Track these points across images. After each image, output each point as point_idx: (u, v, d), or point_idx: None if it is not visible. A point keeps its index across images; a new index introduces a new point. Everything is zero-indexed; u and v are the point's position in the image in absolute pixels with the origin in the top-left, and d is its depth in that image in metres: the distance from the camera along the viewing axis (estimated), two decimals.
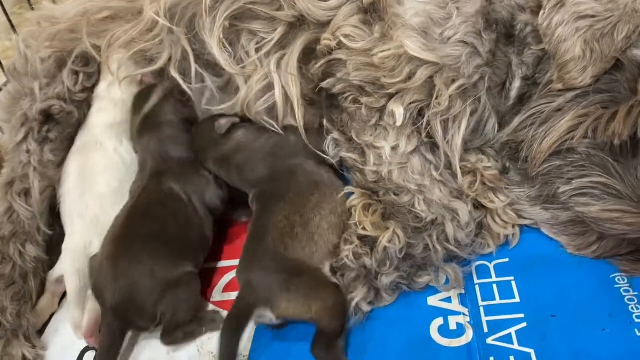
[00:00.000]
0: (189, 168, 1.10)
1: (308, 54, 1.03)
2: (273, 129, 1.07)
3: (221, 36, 1.04)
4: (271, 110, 1.08)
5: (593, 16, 0.85)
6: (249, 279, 0.91)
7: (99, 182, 1.10)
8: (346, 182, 1.07)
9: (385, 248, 0.91)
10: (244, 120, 1.10)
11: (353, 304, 0.91)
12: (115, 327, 0.92)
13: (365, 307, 0.92)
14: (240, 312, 0.89)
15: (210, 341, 0.94)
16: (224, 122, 1.07)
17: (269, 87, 1.06)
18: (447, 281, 0.94)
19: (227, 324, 0.88)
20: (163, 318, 0.94)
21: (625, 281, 0.90)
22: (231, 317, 0.89)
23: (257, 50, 1.05)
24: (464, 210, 0.94)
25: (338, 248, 0.96)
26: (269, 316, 0.89)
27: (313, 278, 0.90)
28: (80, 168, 1.11)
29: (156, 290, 0.93)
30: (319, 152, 1.05)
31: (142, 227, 1.00)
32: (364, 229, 0.94)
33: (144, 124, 1.13)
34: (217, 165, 1.09)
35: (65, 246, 1.06)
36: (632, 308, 0.86)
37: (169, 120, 1.13)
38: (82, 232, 1.06)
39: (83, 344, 1.00)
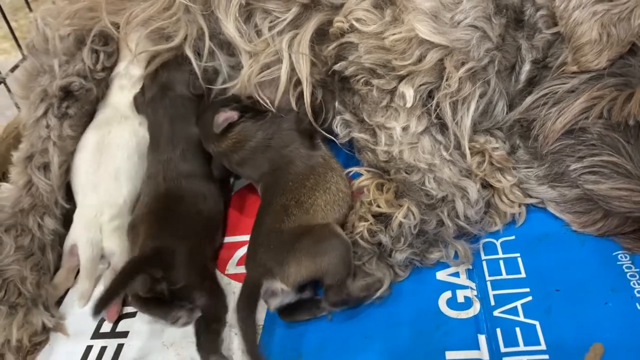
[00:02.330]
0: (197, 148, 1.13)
1: (321, 35, 1.05)
2: (266, 105, 1.10)
3: (237, 14, 1.07)
4: (270, 85, 1.11)
5: (610, 0, 0.86)
6: (253, 258, 0.94)
7: (118, 154, 1.12)
8: (354, 163, 1.10)
9: (400, 224, 0.93)
10: (245, 110, 1.11)
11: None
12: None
13: (387, 292, 0.94)
14: (250, 289, 0.91)
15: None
16: (221, 120, 1.08)
17: (276, 62, 1.08)
18: (456, 257, 0.97)
19: (240, 304, 0.90)
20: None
21: (628, 258, 0.92)
22: (242, 296, 0.91)
23: (270, 29, 1.07)
24: (472, 188, 0.97)
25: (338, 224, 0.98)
26: (279, 288, 0.90)
27: (314, 234, 0.92)
28: (99, 142, 1.14)
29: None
30: (317, 129, 1.07)
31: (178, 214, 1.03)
32: (378, 206, 0.96)
33: (157, 96, 1.15)
34: (219, 158, 1.11)
35: (77, 216, 1.09)
36: (633, 284, 0.89)
37: (180, 96, 1.15)
38: (94, 203, 1.08)
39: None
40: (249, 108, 1.12)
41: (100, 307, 0.90)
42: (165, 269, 0.94)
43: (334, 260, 0.89)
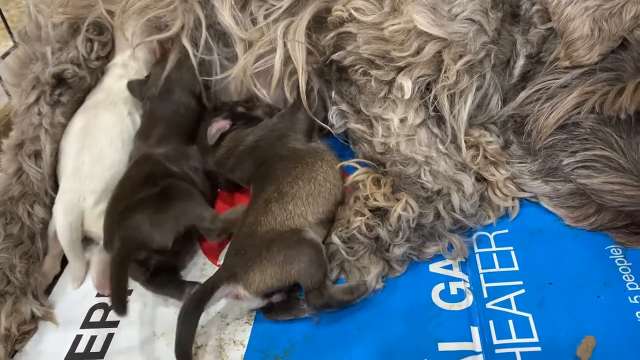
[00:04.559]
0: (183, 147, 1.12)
1: (318, 23, 1.05)
2: (262, 96, 1.10)
3: (232, 2, 1.06)
4: (265, 75, 1.10)
5: None
6: (225, 260, 0.94)
7: (101, 139, 1.11)
8: (348, 154, 1.10)
9: (399, 217, 0.93)
10: (237, 118, 1.12)
11: (371, 284, 0.93)
12: (119, 260, 0.93)
13: (379, 285, 0.94)
14: (203, 290, 0.89)
15: None
16: (214, 132, 1.08)
17: (271, 51, 1.07)
18: (450, 250, 0.97)
19: (187, 301, 0.88)
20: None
21: (620, 252, 0.93)
22: (193, 294, 0.89)
23: (266, 17, 1.07)
24: (468, 182, 0.97)
25: (320, 219, 0.97)
26: (242, 293, 0.89)
27: (283, 242, 0.90)
28: (85, 125, 1.13)
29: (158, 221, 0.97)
30: (316, 121, 1.07)
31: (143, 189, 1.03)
32: (375, 200, 0.96)
33: (161, 96, 1.14)
34: (216, 167, 1.11)
35: (58, 200, 1.07)
36: (625, 277, 0.90)
37: (185, 104, 1.15)
38: (76, 188, 1.07)
39: (91, 302, 1.03)
40: (241, 115, 1.12)
41: (120, 303, 0.89)
42: (143, 248, 0.95)
43: (304, 265, 0.88)
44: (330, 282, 0.90)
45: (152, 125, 1.12)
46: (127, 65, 1.20)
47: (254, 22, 1.08)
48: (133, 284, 1.00)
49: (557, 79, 0.94)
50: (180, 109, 1.13)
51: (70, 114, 1.15)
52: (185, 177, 1.08)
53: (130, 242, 0.95)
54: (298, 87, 1.06)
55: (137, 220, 0.97)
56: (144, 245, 0.95)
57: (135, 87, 1.16)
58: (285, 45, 1.05)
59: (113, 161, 1.10)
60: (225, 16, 1.06)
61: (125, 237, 0.96)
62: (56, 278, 1.09)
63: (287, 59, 1.06)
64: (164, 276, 1.00)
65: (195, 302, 0.88)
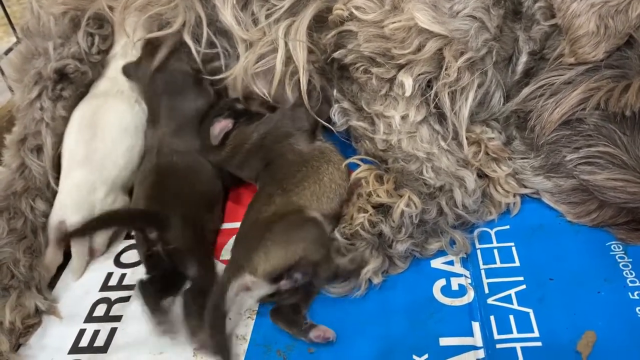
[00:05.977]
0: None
1: (319, 22, 1.05)
2: (263, 95, 1.10)
3: (234, 1, 1.06)
4: (265, 75, 1.11)
5: None
6: (232, 255, 0.94)
7: (113, 126, 1.11)
8: (350, 152, 1.10)
9: (402, 213, 0.93)
10: (239, 115, 1.12)
11: (365, 276, 0.93)
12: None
13: (377, 280, 0.94)
14: (217, 293, 0.89)
15: None
16: (217, 132, 1.08)
17: (272, 52, 1.08)
18: (452, 246, 0.98)
19: (207, 316, 0.88)
20: None
21: (621, 249, 0.94)
22: (210, 301, 0.88)
23: (267, 17, 1.07)
24: (470, 178, 0.97)
25: (323, 214, 0.97)
26: (249, 281, 0.89)
27: (286, 221, 0.91)
28: (93, 112, 1.13)
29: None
30: (319, 121, 1.07)
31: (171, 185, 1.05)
32: (378, 196, 0.96)
33: (156, 77, 1.14)
34: (222, 165, 1.11)
35: (65, 192, 1.07)
36: (626, 273, 0.90)
37: (180, 70, 1.15)
38: (87, 178, 1.07)
39: (95, 296, 1.03)
40: (243, 112, 1.13)
41: (79, 232, 0.93)
42: (159, 229, 0.96)
43: (309, 243, 0.89)
44: (334, 256, 0.91)
45: (156, 101, 1.12)
46: (128, 55, 1.20)
47: (255, 22, 1.09)
48: (134, 280, 1.00)
49: (561, 75, 0.94)
50: (179, 77, 1.13)
51: (72, 108, 1.15)
52: None
53: None
54: (299, 86, 1.06)
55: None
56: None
57: (131, 69, 1.17)
58: (286, 45, 1.05)
59: (126, 148, 1.10)
60: (227, 16, 1.07)
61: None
62: (59, 273, 1.09)
63: (289, 59, 1.07)
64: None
65: (214, 312, 0.87)
